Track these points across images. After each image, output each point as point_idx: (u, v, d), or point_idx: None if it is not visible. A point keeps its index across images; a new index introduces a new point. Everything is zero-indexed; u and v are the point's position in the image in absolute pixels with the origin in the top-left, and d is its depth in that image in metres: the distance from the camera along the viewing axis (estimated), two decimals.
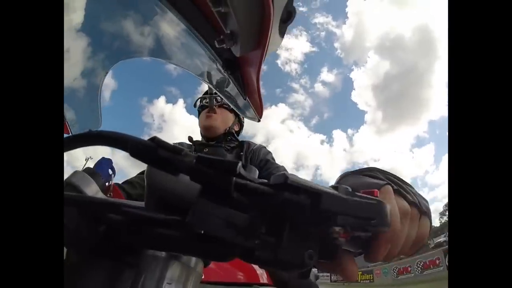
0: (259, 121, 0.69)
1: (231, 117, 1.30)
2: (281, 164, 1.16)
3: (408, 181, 0.31)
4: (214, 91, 1.08)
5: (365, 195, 0.23)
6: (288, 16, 0.36)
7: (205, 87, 1.13)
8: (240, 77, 0.53)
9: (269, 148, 1.39)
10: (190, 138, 1.25)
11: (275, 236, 0.21)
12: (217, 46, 0.42)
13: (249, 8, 0.35)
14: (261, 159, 1.13)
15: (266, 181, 0.22)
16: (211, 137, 1.24)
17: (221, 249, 0.23)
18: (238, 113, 1.24)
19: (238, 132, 1.36)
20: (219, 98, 1.22)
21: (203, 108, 1.29)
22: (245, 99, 0.59)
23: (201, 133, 1.31)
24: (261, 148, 1.21)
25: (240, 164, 0.21)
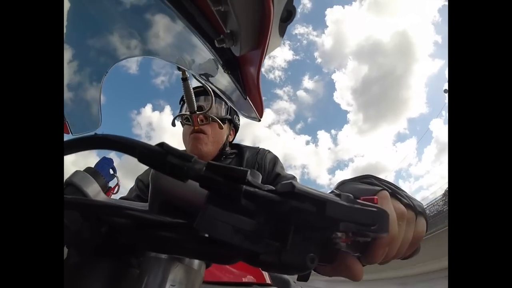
0: (259, 120, 0.68)
1: (224, 130, 1.02)
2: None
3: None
4: (196, 108, 0.90)
5: (366, 203, 0.24)
6: (288, 16, 0.36)
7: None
8: (240, 77, 0.53)
9: None
10: None
11: (280, 241, 0.22)
12: (217, 45, 0.42)
13: (249, 7, 0.35)
14: (269, 170, 0.99)
15: (273, 188, 0.23)
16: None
17: (226, 253, 0.23)
18: (232, 119, 1.08)
19: (233, 139, 1.16)
20: (207, 114, 0.93)
21: (187, 120, 0.95)
22: (245, 99, 0.59)
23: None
24: (266, 155, 1.03)
25: (249, 172, 0.22)
